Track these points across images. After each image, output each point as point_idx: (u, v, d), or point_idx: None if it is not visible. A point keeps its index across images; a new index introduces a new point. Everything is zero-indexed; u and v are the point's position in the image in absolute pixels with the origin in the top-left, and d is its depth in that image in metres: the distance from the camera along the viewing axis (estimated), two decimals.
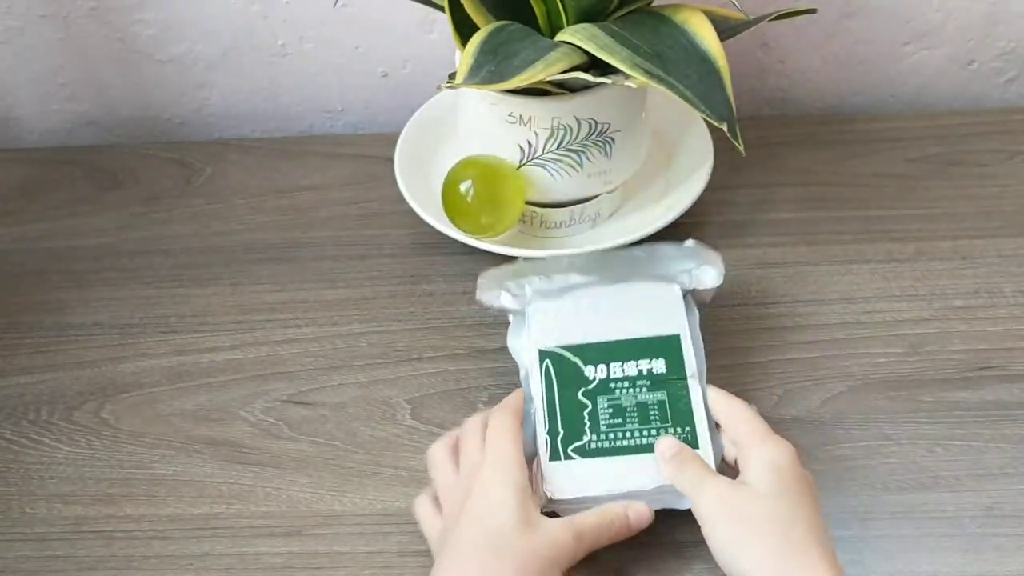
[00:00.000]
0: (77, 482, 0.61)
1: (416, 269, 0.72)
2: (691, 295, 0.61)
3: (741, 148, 0.57)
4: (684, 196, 0.70)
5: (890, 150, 0.79)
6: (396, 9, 0.81)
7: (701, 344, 0.59)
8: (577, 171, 0.66)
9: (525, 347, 0.60)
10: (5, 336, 0.69)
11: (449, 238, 0.69)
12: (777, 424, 0.61)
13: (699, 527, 0.52)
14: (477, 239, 0.68)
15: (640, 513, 0.53)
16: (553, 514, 0.54)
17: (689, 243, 0.64)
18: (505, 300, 0.62)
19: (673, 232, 0.71)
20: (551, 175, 0.66)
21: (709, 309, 0.68)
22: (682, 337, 0.59)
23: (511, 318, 0.62)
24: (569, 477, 0.55)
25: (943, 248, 0.71)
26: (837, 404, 0.62)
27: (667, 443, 0.55)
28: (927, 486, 0.58)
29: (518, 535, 0.50)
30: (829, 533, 0.51)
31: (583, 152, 0.65)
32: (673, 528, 0.56)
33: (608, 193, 0.70)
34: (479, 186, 0.66)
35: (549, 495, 0.54)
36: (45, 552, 0.58)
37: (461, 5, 0.61)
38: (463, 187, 0.66)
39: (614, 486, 0.54)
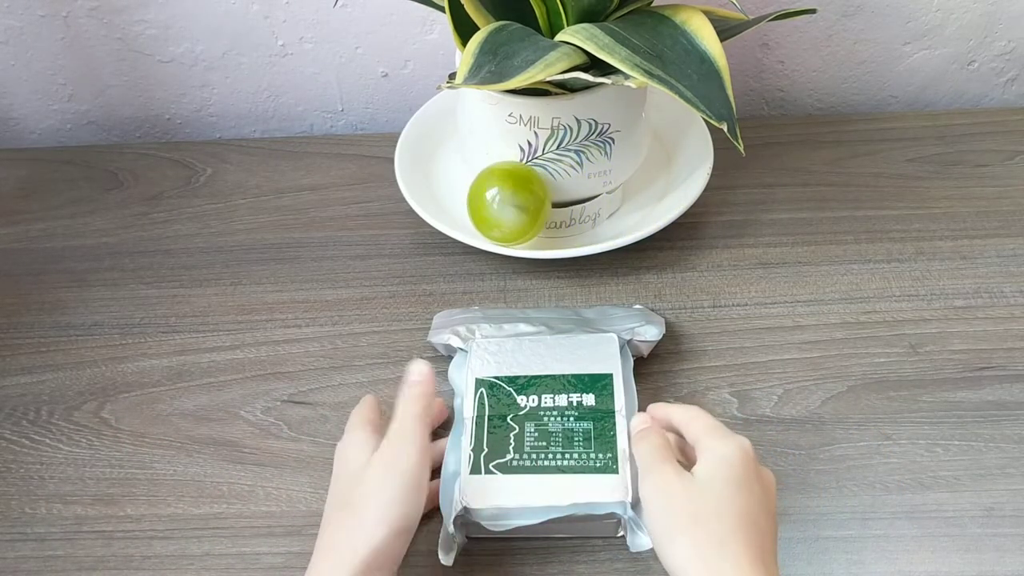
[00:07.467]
0: (77, 482, 0.61)
1: (416, 269, 0.72)
2: (628, 345, 0.63)
3: (741, 148, 0.57)
4: (684, 196, 0.70)
5: (890, 150, 0.79)
6: (396, 9, 0.81)
7: (633, 388, 0.60)
8: (577, 171, 0.66)
9: (464, 377, 0.61)
10: (5, 336, 0.69)
11: (449, 238, 0.69)
12: (777, 424, 0.61)
13: None
14: (508, 246, 0.68)
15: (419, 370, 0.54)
16: (467, 525, 0.55)
17: (637, 307, 0.66)
18: (453, 341, 0.63)
19: (673, 232, 0.71)
20: (551, 175, 0.66)
21: (708, 311, 0.68)
22: (614, 376, 0.60)
23: (456, 354, 0.64)
24: (485, 489, 0.55)
25: (943, 248, 0.71)
26: (837, 404, 0.62)
27: (638, 418, 0.54)
28: (927, 486, 0.58)
29: None
30: (772, 531, 0.48)
31: (583, 152, 0.65)
32: None
33: (608, 193, 0.70)
34: (505, 194, 0.65)
35: (464, 503, 0.54)
36: (45, 552, 0.58)
37: (461, 5, 0.61)
38: (489, 195, 0.65)
39: (529, 500, 0.54)
